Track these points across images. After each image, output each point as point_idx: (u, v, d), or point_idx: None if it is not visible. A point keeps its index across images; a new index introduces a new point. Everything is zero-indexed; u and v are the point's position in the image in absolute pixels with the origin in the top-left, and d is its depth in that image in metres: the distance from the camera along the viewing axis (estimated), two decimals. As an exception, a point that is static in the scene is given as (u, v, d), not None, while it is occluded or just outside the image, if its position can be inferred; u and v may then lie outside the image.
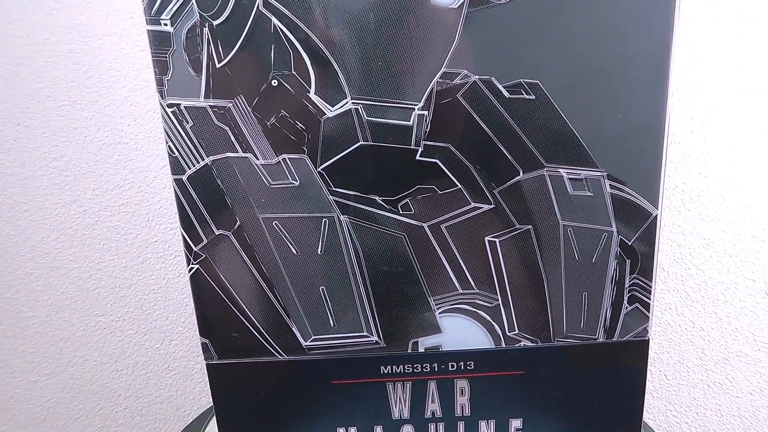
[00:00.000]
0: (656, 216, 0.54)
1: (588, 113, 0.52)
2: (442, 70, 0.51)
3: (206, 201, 0.55)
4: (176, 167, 0.55)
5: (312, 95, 0.52)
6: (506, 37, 0.50)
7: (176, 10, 0.51)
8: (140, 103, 0.92)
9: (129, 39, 0.89)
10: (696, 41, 0.84)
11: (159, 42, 0.52)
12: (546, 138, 0.53)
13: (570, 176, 0.53)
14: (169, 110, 0.53)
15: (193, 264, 0.57)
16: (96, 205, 0.97)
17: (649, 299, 0.57)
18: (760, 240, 0.92)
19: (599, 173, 0.53)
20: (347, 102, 0.52)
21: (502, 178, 0.54)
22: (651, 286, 0.57)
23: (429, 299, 0.57)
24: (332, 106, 0.52)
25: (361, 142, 0.53)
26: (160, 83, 0.53)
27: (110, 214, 0.97)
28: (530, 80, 0.51)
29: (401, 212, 0.55)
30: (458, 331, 0.59)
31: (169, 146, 0.54)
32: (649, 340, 0.59)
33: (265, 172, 0.54)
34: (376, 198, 0.55)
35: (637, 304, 0.57)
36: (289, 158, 0.54)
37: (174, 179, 0.55)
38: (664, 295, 0.97)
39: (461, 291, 0.57)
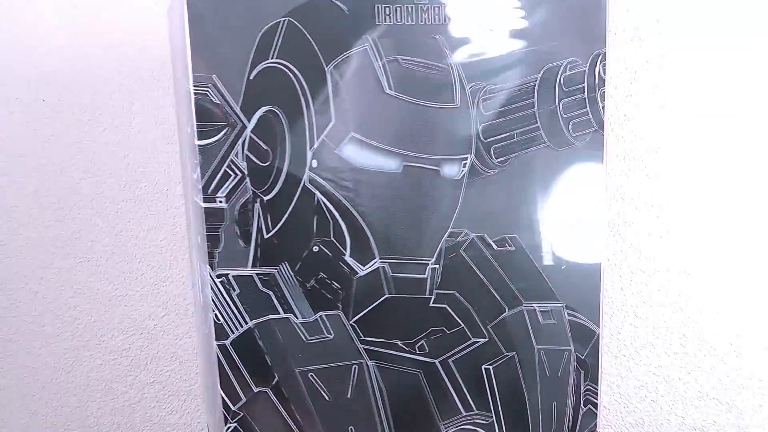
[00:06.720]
0: (598, 334, 0.69)
1: (551, 260, 0.66)
2: (449, 230, 0.62)
3: (247, 362, 0.59)
4: (220, 333, 0.57)
5: (347, 258, 0.59)
6: (493, 201, 0.62)
7: (231, 188, 0.56)
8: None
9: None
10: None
11: (213, 218, 0.56)
12: (524, 281, 0.65)
13: (541, 309, 0.66)
14: (218, 280, 0.56)
15: (230, 423, 0.58)
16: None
17: (597, 400, 0.71)
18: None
19: (560, 305, 0.67)
20: (376, 261, 0.60)
21: (493, 315, 0.65)
22: (597, 389, 0.70)
23: (439, 425, 0.65)
24: (363, 266, 0.60)
25: (387, 295, 0.61)
26: (211, 255, 0.56)
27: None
28: (511, 235, 0.64)
29: (418, 352, 0.63)
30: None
31: (215, 314, 0.57)
32: (589, 433, 0.72)
33: (303, 329, 0.59)
34: (398, 342, 0.62)
35: (589, 406, 0.70)
36: (325, 315, 0.60)
37: (217, 344, 0.57)
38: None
39: (464, 414, 0.66)
